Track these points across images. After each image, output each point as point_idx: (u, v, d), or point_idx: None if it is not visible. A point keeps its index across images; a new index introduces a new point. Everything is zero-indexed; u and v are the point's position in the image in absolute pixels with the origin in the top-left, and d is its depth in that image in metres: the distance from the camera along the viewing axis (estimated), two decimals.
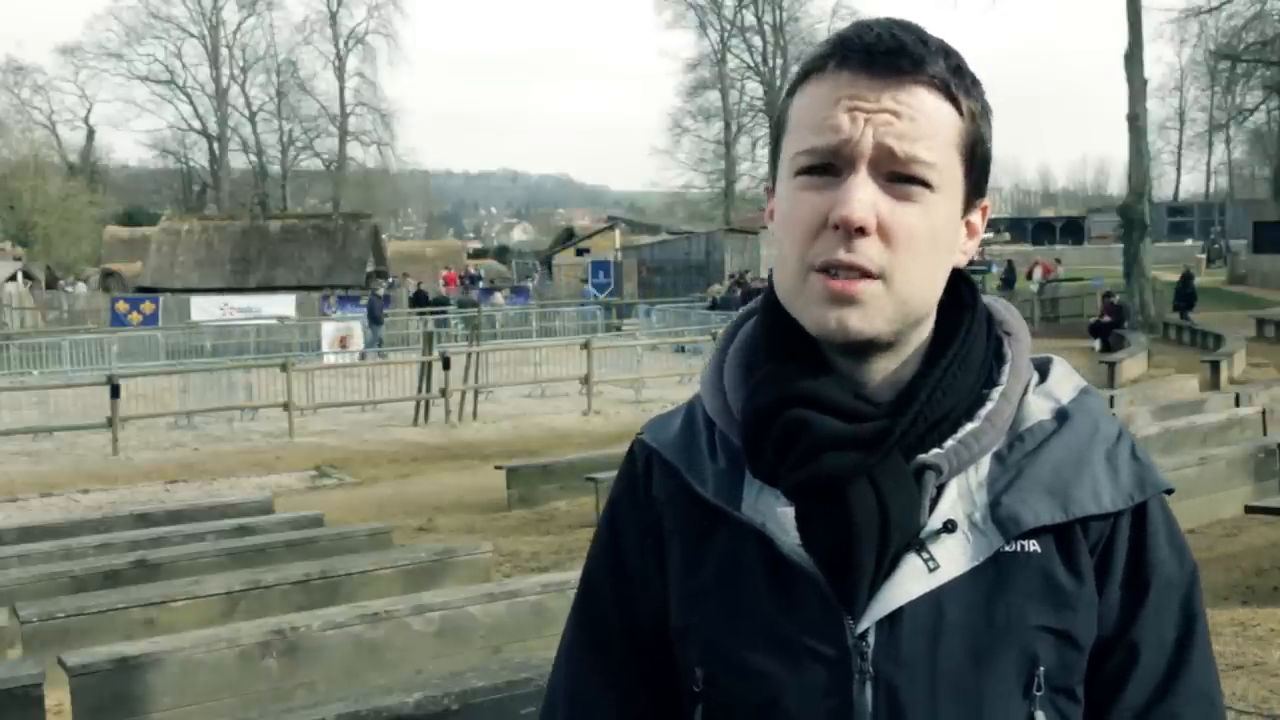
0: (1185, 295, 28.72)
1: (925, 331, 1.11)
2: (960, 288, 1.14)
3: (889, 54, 1.05)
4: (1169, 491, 1.11)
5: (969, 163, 1.09)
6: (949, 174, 1.07)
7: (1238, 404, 12.76)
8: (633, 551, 1.20)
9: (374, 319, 27.27)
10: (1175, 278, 32.71)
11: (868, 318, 1.04)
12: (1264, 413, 11.78)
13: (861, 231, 1.03)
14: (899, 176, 1.04)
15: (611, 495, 1.25)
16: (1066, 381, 1.14)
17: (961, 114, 1.07)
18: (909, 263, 1.05)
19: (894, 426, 1.06)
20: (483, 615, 5.96)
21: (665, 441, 1.20)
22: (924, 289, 1.08)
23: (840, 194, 1.03)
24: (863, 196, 1.03)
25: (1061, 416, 1.11)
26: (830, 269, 1.04)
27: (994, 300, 1.19)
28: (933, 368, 1.09)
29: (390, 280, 36.43)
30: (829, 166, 1.05)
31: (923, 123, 1.05)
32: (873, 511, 1.04)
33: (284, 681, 5.33)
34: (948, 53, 1.08)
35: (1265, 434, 11.09)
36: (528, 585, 6.33)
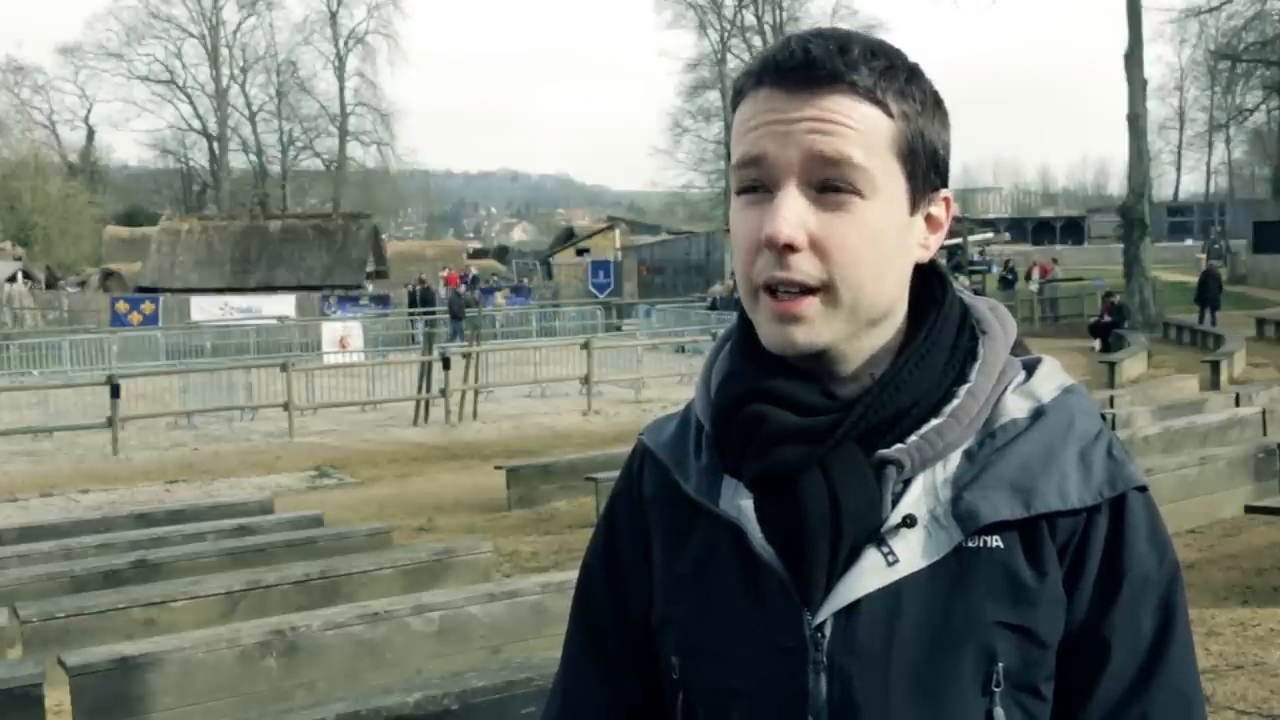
0: (1206, 296, 28.04)
1: (893, 328, 1.12)
2: (933, 284, 1.15)
3: (801, 68, 1.05)
4: (1142, 488, 1.09)
5: (908, 162, 1.08)
6: (883, 178, 1.06)
7: (1238, 404, 12.77)
8: (625, 548, 1.24)
9: (455, 315, 29.05)
10: (1176, 277, 32.71)
11: (814, 332, 1.06)
12: (1264, 413, 11.79)
13: (790, 248, 1.04)
14: (828, 186, 1.05)
15: (612, 492, 1.30)
16: (1050, 381, 1.13)
17: (891, 115, 1.06)
18: (848, 272, 1.05)
19: (843, 420, 1.07)
20: (483, 615, 5.96)
21: (660, 441, 1.23)
22: (871, 294, 1.07)
23: (768, 213, 1.05)
24: (787, 214, 1.03)
25: (1037, 415, 1.10)
26: (771, 287, 1.06)
27: (977, 299, 1.19)
28: (894, 364, 1.10)
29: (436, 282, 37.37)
30: (761, 184, 1.07)
31: (845, 131, 1.04)
32: (824, 504, 1.06)
33: (284, 681, 5.33)
34: (874, 54, 1.07)
35: (1265, 434, 11.10)
36: (528, 585, 6.33)
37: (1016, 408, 1.11)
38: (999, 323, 1.16)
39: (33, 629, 5.94)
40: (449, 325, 29.04)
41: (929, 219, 1.13)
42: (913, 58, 1.11)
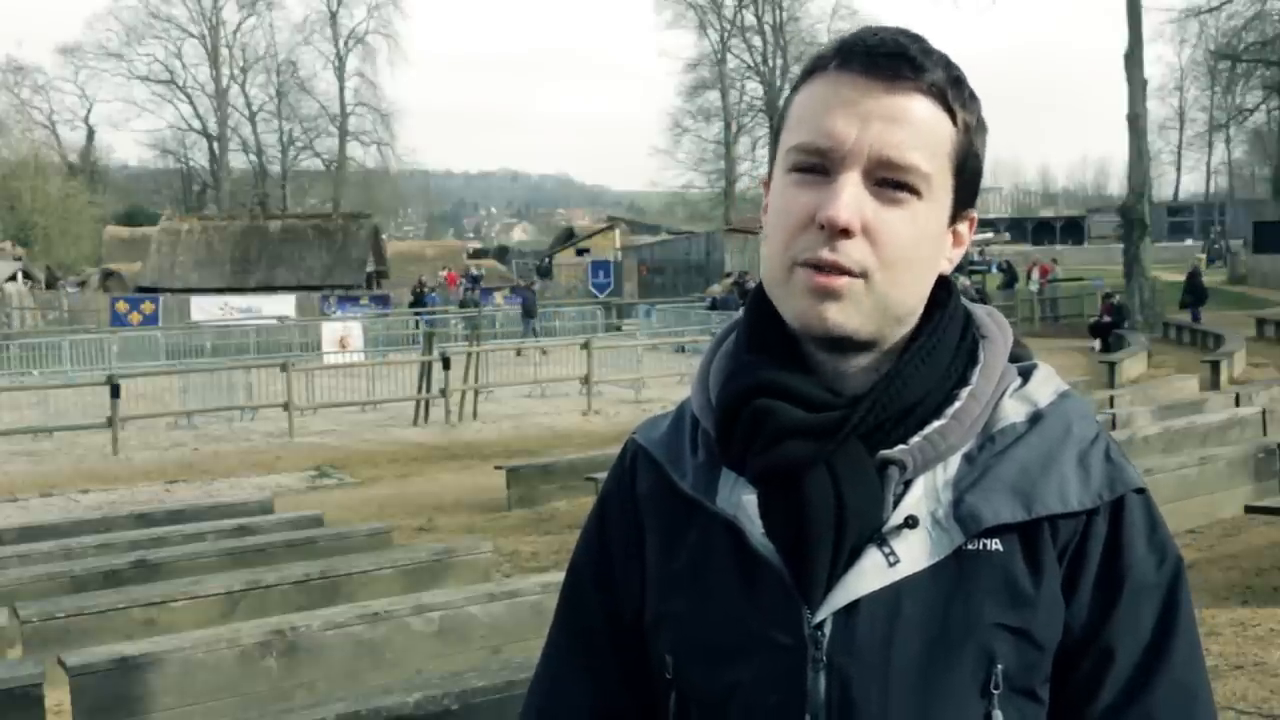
0: (1194, 293, 28.42)
1: (905, 331, 1.13)
2: (938, 290, 1.15)
3: (890, 58, 1.06)
4: (1140, 491, 1.10)
5: (959, 174, 1.10)
6: (939, 183, 1.08)
7: (1238, 404, 12.76)
8: (616, 546, 1.23)
9: (528, 313, 29.37)
10: (1177, 277, 32.72)
11: (846, 312, 1.06)
12: (1264, 413, 11.78)
13: (845, 233, 1.04)
14: (889, 182, 1.06)
15: (601, 492, 1.29)
16: (1046, 386, 1.15)
17: (956, 125, 1.09)
18: (891, 266, 1.06)
19: (850, 416, 1.08)
20: (483, 615, 5.97)
21: (653, 439, 1.23)
22: (905, 293, 1.09)
23: (828, 194, 1.05)
24: (848, 199, 1.04)
25: (1035, 419, 1.11)
26: (813, 265, 1.06)
27: (978, 306, 1.20)
28: (900, 359, 1.11)
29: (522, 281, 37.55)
30: (820, 166, 1.07)
31: (917, 131, 1.06)
32: (829, 500, 1.06)
33: (284, 681, 5.33)
34: (949, 64, 1.10)
35: (1265, 434, 11.10)
36: (528, 585, 6.33)
37: (1014, 412, 1.12)
38: (997, 328, 1.18)
39: (33, 629, 5.94)
40: (521, 323, 29.39)
41: (955, 234, 1.14)
42: None
